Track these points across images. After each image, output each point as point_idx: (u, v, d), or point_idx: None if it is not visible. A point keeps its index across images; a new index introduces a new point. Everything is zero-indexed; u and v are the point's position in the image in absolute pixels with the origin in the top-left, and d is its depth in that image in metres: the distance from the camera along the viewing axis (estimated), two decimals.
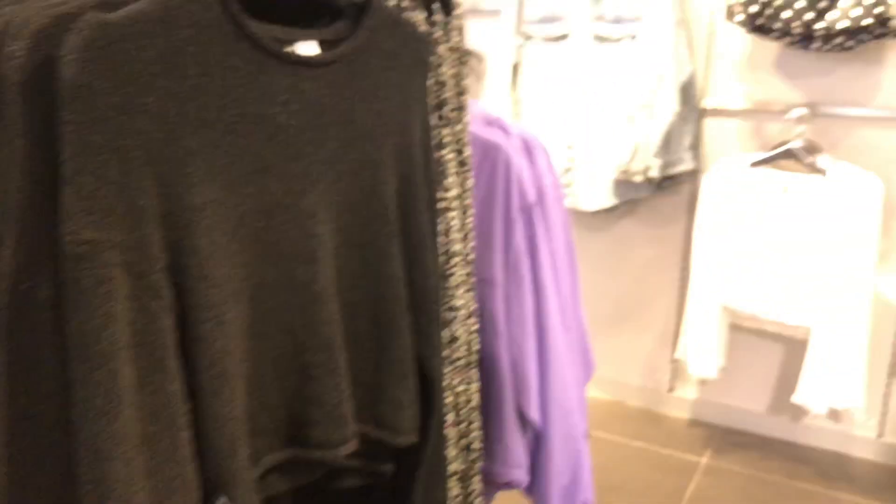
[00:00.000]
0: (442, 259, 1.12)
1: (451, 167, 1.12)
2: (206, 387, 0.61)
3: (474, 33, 2.71)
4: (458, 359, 1.17)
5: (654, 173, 2.23)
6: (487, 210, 1.25)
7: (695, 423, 2.61)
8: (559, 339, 1.30)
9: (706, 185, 2.20)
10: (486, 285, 1.25)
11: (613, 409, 2.71)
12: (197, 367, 0.61)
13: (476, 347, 1.19)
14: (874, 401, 2.32)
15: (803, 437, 2.46)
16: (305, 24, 0.78)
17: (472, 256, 1.17)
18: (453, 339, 1.16)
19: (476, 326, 1.18)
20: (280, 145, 0.69)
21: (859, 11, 1.93)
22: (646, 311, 2.65)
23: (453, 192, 1.12)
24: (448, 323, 1.14)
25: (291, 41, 0.74)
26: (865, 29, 1.99)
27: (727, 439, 2.52)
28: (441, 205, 1.12)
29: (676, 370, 2.62)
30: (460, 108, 1.13)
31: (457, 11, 1.13)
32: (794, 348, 2.38)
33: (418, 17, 1.05)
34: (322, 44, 0.79)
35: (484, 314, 1.25)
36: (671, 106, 2.20)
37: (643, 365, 2.69)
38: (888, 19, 1.93)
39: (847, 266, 2.00)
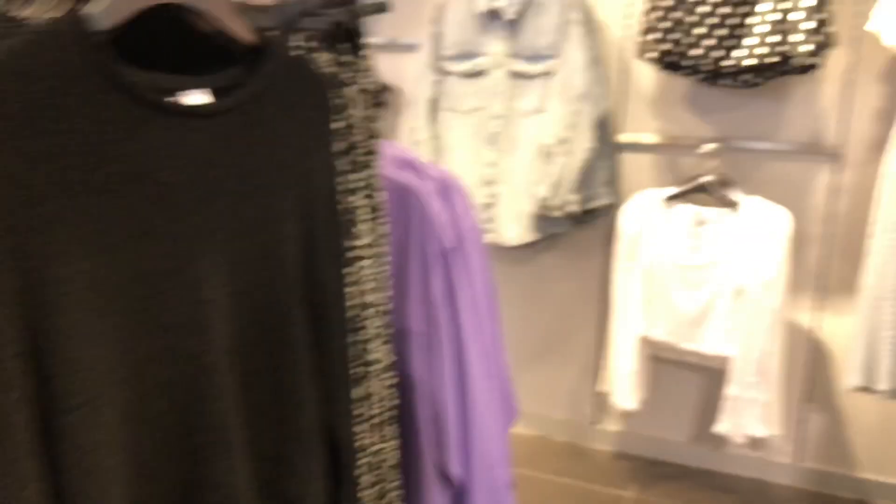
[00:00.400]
0: (355, 311, 1.06)
1: (363, 214, 1.07)
2: (71, 487, 0.53)
3: (392, 68, 2.69)
4: (374, 416, 1.10)
5: (573, 208, 2.23)
6: (403, 257, 1.19)
7: (619, 455, 2.61)
8: (481, 388, 1.25)
9: (623, 219, 2.22)
10: (403, 336, 1.20)
11: (538, 445, 2.67)
12: (60, 465, 0.53)
13: (393, 403, 1.13)
14: (791, 427, 2.37)
15: (725, 465, 2.48)
16: (196, 70, 0.72)
17: (387, 307, 1.12)
18: (368, 396, 1.09)
19: (393, 381, 1.13)
20: (163, 206, 0.62)
21: (764, 50, 1.99)
22: (568, 344, 2.64)
23: (365, 240, 1.07)
24: (362, 379, 1.08)
25: (177, 90, 0.68)
26: (770, 66, 2.05)
27: (651, 471, 2.52)
28: (352, 254, 1.06)
29: (600, 403, 2.61)
30: (371, 152, 1.08)
31: (366, 51, 1.08)
32: (714, 377, 2.41)
33: (324, 57, 1.00)
34: (215, 91, 0.72)
35: (401, 366, 1.19)
36: (588, 142, 2.21)
37: (567, 398, 2.68)
38: (791, 57, 1.99)
39: (759, 296, 2.03)
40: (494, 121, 2.34)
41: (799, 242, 2.23)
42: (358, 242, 1.07)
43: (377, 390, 1.10)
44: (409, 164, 1.29)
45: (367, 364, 1.10)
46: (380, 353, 1.10)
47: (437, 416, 1.20)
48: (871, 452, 2.31)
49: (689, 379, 2.48)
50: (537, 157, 2.26)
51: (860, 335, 1.90)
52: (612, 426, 2.62)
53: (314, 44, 0.96)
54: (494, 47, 2.31)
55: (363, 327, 1.09)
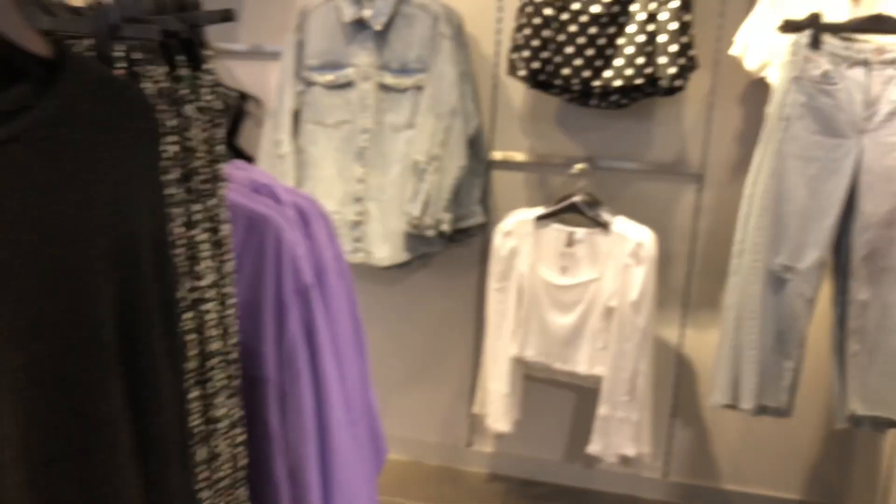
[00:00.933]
0: (195, 363, 0.92)
1: (205, 250, 0.93)
2: None
3: (255, 77, 2.52)
4: (221, 479, 0.97)
5: (446, 227, 2.16)
6: (255, 295, 1.06)
7: (493, 477, 2.56)
8: (344, 436, 1.14)
9: (495, 238, 2.17)
10: (257, 384, 1.07)
11: (411, 471, 2.58)
12: None
13: (243, 462, 1.00)
14: (660, 442, 2.40)
15: (597, 483, 2.48)
16: None
17: (235, 355, 0.98)
18: (214, 457, 0.95)
19: (243, 437, 0.99)
20: None
21: (631, 71, 1.99)
22: (442, 366, 2.57)
23: (208, 280, 0.93)
24: (206, 438, 0.94)
25: None
26: (637, 87, 2.06)
27: (525, 492, 2.48)
28: (193, 296, 0.92)
29: (474, 424, 2.55)
30: (214, 179, 0.95)
31: (208, 65, 0.95)
32: (586, 395, 2.40)
33: (157, 71, 0.86)
34: None
35: (254, 419, 1.06)
36: (460, 159, 2.15)
37: (441, 421, 2.60)
38: (658, 79, 2.00)
39: (628, 316, 2.03)
40: (363, 135, 2.23)
41: (665, 261, 2.26)
42: (200, 283, 0.93)
43: (224, 450, 0.97)
44: (265, 189, 1.16)
45: (212, 421, 0.96)
46: (226, 407, 0.97)
47: (296, 472, 1.07)
48: (733, 464, 2.37)
49: (562, 397, 2.47)
50: (408, 173, 2.17)
51: (725, 354, 1.93)
52: (486, 447, 2.57)
53: (141, 55, 0.82)
54: (361, 58, 2.20)
55: (207, 379, 0.95)
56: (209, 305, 0.94)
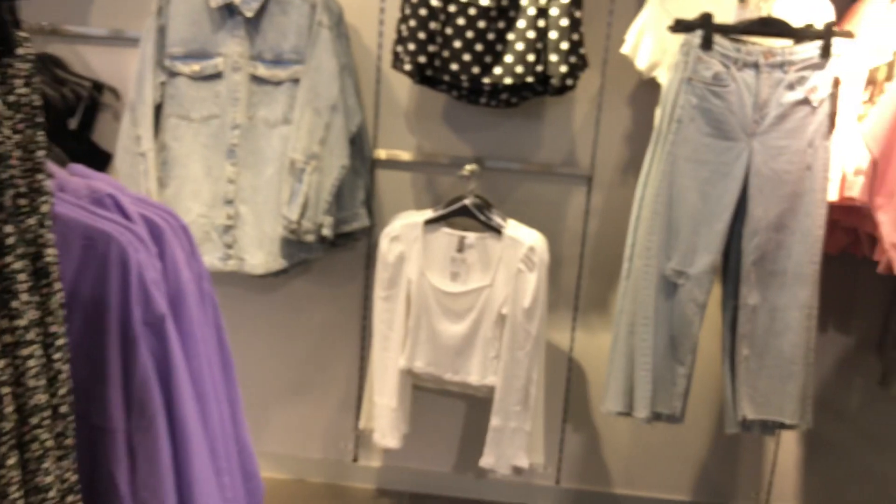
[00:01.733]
0: (12, 422, 0.74)
1: (21, 282, 0.74)
2: None
3: (113, 65, 2.26)
4: None
5: (327, 232, 2.00)
6: (94, 331, 0.88)
7: (381, 492, 2.43)
8: (209, 490, 0.97)
9: (382, 243, 2.03)
10: (100, 436, 0.89)
11: (294, 490, 2.41)
12: None
13: None
14: (551, 449, 2.34)
15: (489, 493, 2.40)
16: None
17: (66, 407, 0.80)
18: None
19: None
20: None
21: (522, 69, 1.91)
22: (325, 378, 2.40)
23: (25, 319, 0.75)
24: None
25: None
26: (528, 86, 1.98)
27: None
28: (5, 340, 0.74)
29: (360, 438, 2.41)
30: (35, 192, 0.76)
31: (22, 50, 0.76)
32: (476, 404, 2.31)
33: None
34: None
35: (97, 478, 0.88)
36: (341, 158, 1.99)
37: (325, 436, 2.44)
38: (549, 78, 1.93)
39: (520, 323, 1.95)
40: (233, 131, 2.03)
41: (555, 264, 2.20)
42: (16, 323, 0.75)
43: None
44: (109, 200, 0.97)
45: (38, 491, 0.77)
46: (56, 473, 0.79)
47: None
48: (624, 469, 2.35)
49: (452, 407, 2.37)
50: (284, 173, 1.99)
51: (618, 361, 1.88)
52: (373, 462, 2.43)
53: None
54: (231, 47, 2.00)
55: (30, 441, 0.77)
56: (29, 350, 0.75)
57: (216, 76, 2.02)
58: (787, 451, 2.29)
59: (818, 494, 2.30)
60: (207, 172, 2.06)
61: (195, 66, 2.01)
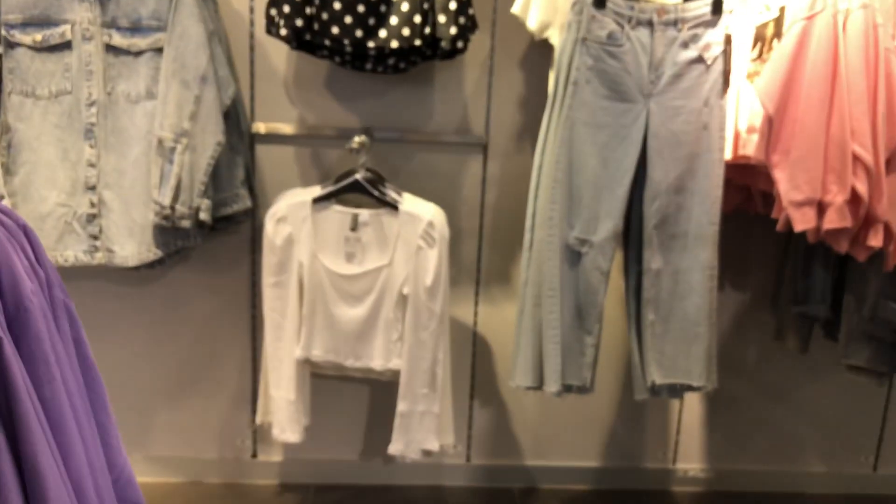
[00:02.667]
0: None
1: None
2: None
3: None
4: None
5: (205, 216, 1.82)
6: None
7: (285, 487, 2.30)
8: None
9: (267, 225, 1.87)
10: None
11: (189, 494, 2.24)
12: None
13: None
14: (460, 427, 2.27)
15: (398, 477, 2.31)
16: None
17: None
18: None
19: None
20: None
21: (408, 31, 1.78)
22: (215, 373, 2.23)
23: None
24: None
25: None
26: (416, 50, 1.86)
27: (322, 498, 2.25)
28: None
29: (259, 433, 2.26)
30: None
31: None
32: (379, 387, 2.21)
33: None
34: None
35: None
36: (215, 135, 1.81)
37: (219, 434, 2.27)
38: (437, 41, 1.81)
39: (423, 303, 1.85)
40: (90, 108, 1.81)
41: (455, 237, 2.10)
42: None
43: None
44: None
45: None
46: None
47: None
48: (533, 439, 2.32)
49: (355, 392, 2.25)
50: (152, 153, 1.79)
51: (525, 334, 1.82)
52: (274, 457, 2.29)
53: None
54: (79, 13, 1.77)
55: None
56: None
57: (64, 46, 1.78)
58: (690, 409, 2.32)
59: (722, 448, 2.35)
60: (63, 156, 1.83)
61: (37, 36, 1.77)
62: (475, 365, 2.26)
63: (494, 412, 2.30)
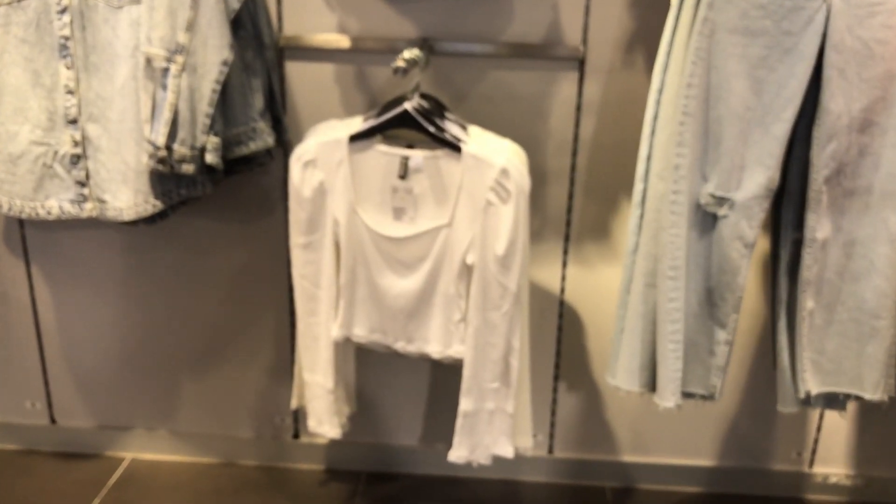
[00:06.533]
0: None
1: None
2: None
3: None
4: None
5: (213, 158, 1.40)
6: None
7: (331, 474, 1.95)
8: None
9: (293, 170, 1.43)
10: None
11: (222, 476, 1.92)
12: None
13: None
14: (542, 413, 1.85)
15: (465, 468, 1.90)
16: None
17: None
18: None
19: None
20: None
21: None
22: (249, 340, 1.87)
23: None
24: None
25: None
26: None
27: (375, 490, 1.90)
28: None
29: (301, 409, 1.90)
30: None
31: None
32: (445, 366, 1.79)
33: None
34: None
35: None
36: (221, 50, 1.36)
37: (256, 410, 1.93)
38: None
39: (493, 275, 1.39)
40: (62, 16, 1.39)
41: (538, 181, 1.63)
42: None
43: None
44: None
45: None
46: None
47: None
48: (631, 432, 1.87)
49: (412, 365, 1.84)
50: (141, 76, 1.37)
51: (632, 321, 1.35)
52: (319, 438, 1.93)
53: None
54: None
55: None
56: None
57: None
58: None
59: (873, 452, 1.85)
60: (34, 80, 1.43)
61: None
62: (561, 340, 1.80)
63: (584, 397, 1.85)
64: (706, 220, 1.26)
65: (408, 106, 1.38)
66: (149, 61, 1.34)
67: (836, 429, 1.83)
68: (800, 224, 1.28)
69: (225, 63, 1.37)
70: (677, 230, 1.24)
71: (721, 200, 1.25)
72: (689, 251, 1.26)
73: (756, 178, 1.23)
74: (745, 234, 1.25)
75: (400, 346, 1.52)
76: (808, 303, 1.30)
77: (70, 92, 1.43)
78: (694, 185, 1.24)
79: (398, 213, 1.43)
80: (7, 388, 1.95)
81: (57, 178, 1.48)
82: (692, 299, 1.28)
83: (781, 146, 1.22)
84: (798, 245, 1.30)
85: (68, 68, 1.41)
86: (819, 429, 1.84)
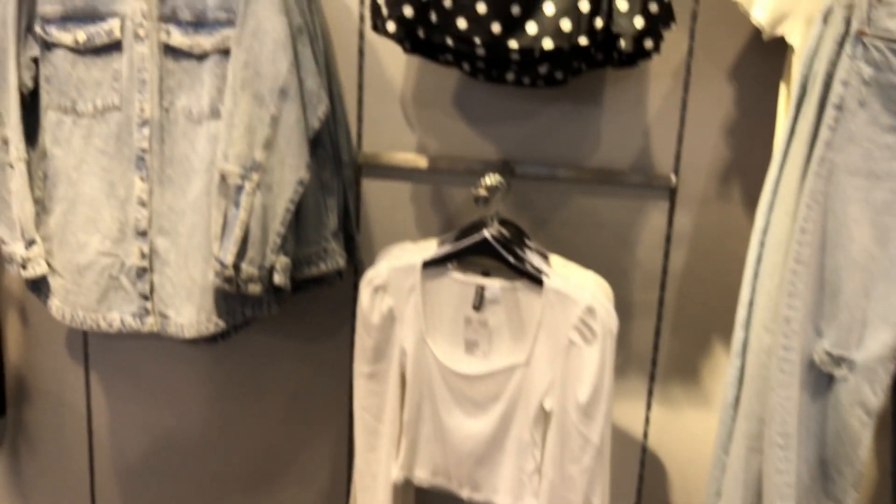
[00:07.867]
0: None
1: None
2: None
3: None
4: None
5: (281, 279, 1.33)
6: None
7: None
8: None
9: (362, 295, 1.35)
10: None
11: None
12: None
13: None
14: None
15: None
16: None
17: None
18: None
19: None
20: None
21: (570, 26, 1.19)
22: (305, 464, 1.76)
23: None
24: None
25: None
26: (581, 52, 1.27)
27: None
28: None
29: None
30: None
31: None
32: None
33: None
34: None
35: None
36: (298, 170, 1.32)
37: None
38: (614, 39, 1.22)
39: (573, 423, 1.26)
40: (142, 129, 1.37)
41: (623, 314, 1.50)
42: None
43: None
44: None
45: None
46: None
47: None
48: None
49: None
50: (215, 192, 1.33)
51: (730, 487, 1.18)
52: None
53: None
54: (130, 3, 1.33)
55: None
56: None
57: (112, 47, 1.36)
58: None
59: None
60: (109, 191, 1.41)
61: (79, 34, 1.35)
62: (642, 491, 1.63)
63: None
64: (821, 380, 1.11)
65: (487, 234, 1.29)
66: (223, 178, 1.30)
67: None
68: None
69: (301, 183, 1.32)
70: (788, 392, 1.09)
71: (839, 360, 1.10)
72: (802, 416, 1.11)
73: (881, 336, 1.08)
74: (867, 400, 1.09)
75: (465, 493, 1.38)
76: None
77: (142, 204, 1.40)
78: (807, 341, 1.10)
79: (470, 346, 1.32)
80: (52, 491, 1.88)
81: (122, 290, 1.44)
82: (803, 471, 1.12)
83: None
84: None
85: (143, 180, 1.39)
86: None
